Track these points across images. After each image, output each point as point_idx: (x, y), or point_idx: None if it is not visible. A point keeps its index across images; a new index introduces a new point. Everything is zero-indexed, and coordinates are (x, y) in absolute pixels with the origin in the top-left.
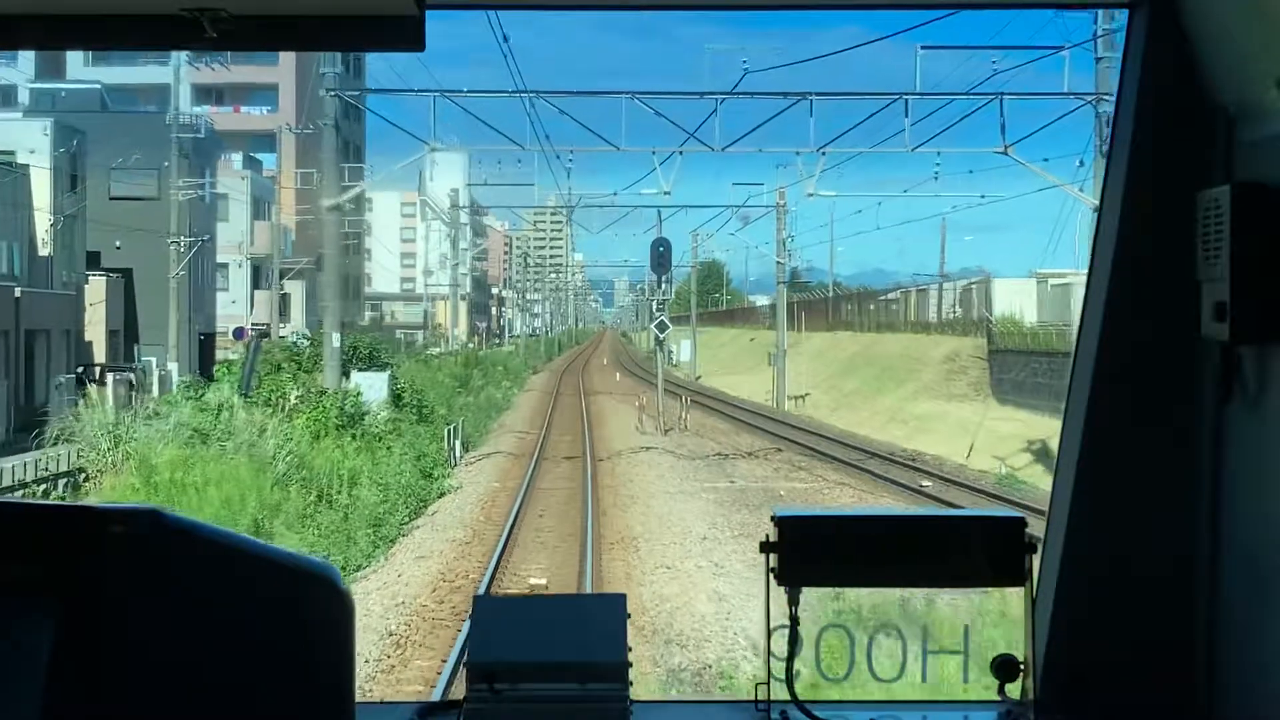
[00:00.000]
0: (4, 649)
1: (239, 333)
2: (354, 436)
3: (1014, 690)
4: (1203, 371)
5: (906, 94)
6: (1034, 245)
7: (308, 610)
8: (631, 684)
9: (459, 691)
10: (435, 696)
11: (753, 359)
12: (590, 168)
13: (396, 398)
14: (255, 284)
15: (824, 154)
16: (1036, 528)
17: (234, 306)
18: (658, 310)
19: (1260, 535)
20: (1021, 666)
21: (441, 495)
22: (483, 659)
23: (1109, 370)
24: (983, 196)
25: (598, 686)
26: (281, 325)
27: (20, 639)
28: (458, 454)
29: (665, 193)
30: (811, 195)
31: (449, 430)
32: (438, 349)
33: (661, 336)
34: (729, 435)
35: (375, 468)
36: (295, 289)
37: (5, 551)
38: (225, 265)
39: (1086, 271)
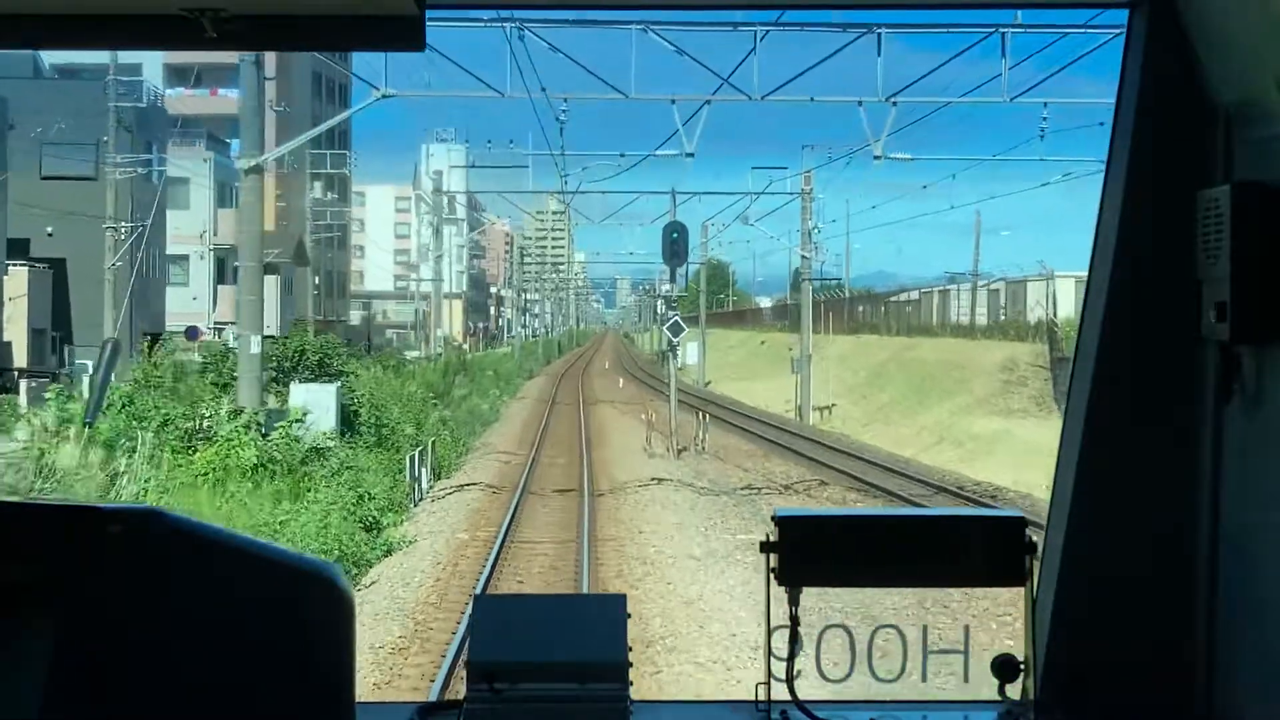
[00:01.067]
0: (4, 649)
1: (192, 332)
2: (279, 475)
3: (1014, 690)
4: (1203, 371)
5: (1004, 26)
6: (1037, 246)
7: (307, 610)
8: (631, 684)
9: (459, 691)
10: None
11: (765, 363)
12: (592, 125)
13: (350, 417)
14: (220, 278)
15: (895, 104)
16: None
17: (196, 304)
18: (670, 309)
19: (1260, 535)
20: (1021, 666)
21: (388, 553)
22: (483, 659)
23: (1109, 370)
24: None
25: (598, 686)
26: None
27: (20, 639)
28: (424, 486)
29: (689, 154)
30: (879, 159)
31: (412, 457)
32: (417, 352)
33: (675, 340)
34: (755, 459)
35: (290, 522)
36: (268, 284)
37: (5, 551)
38: (185, 257)
39: (1087, 271)
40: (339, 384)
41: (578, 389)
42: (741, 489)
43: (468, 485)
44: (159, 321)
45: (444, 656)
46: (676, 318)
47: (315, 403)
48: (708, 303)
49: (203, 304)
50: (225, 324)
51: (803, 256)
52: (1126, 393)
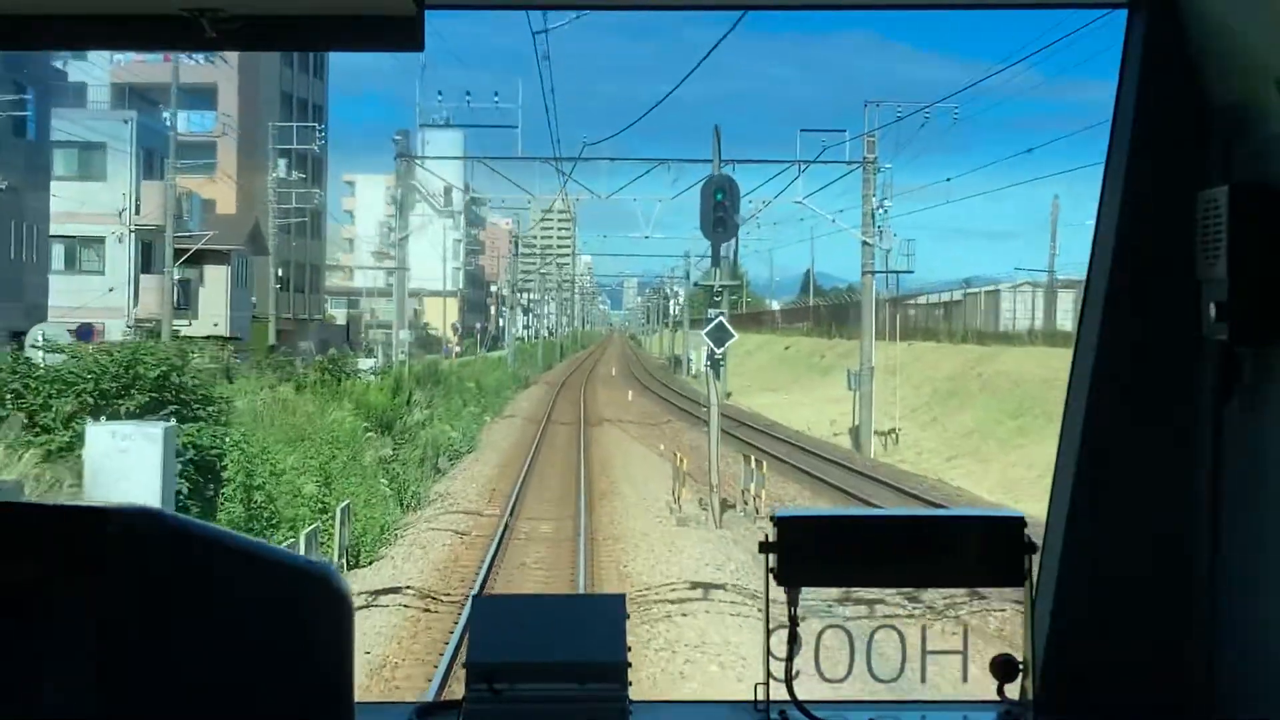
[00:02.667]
0: (4, 649)
1: (85, 332)
2: None
3: (1013, 690)
4: (1203, 371)
5: None
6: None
7: (306, 610)
8: (630, 684)
9: (458, 691)
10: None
11: (791, 372)
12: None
13: (210, 473)
14: (145, 265)
15: None
16: None
17: (113, 296)
18: (713, 305)
19: (1260, 535)
20: (1021, 666)
21: None
22: (482, 659)
23: (1109, 370)
24: None
25: (597, 686)
26: (184, 323)
27: (21, 640)
28: None
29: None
30: None
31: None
32: (373, 361)
33: (719, 352)
34: None
35: None
36: (216, 275)
37: (5, 551)
38: (100, 240)
39: (1086, 273)
40: (173, 422)
41: (579, 403)
42: (848, 607)
43: (386, 592)
44: (39, 315)
45: None
46: (722, 318)
47: (129, 455)
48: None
49: (122, 296)
50: (149, 320)
51: (864, 243)
52: (1126, 393)
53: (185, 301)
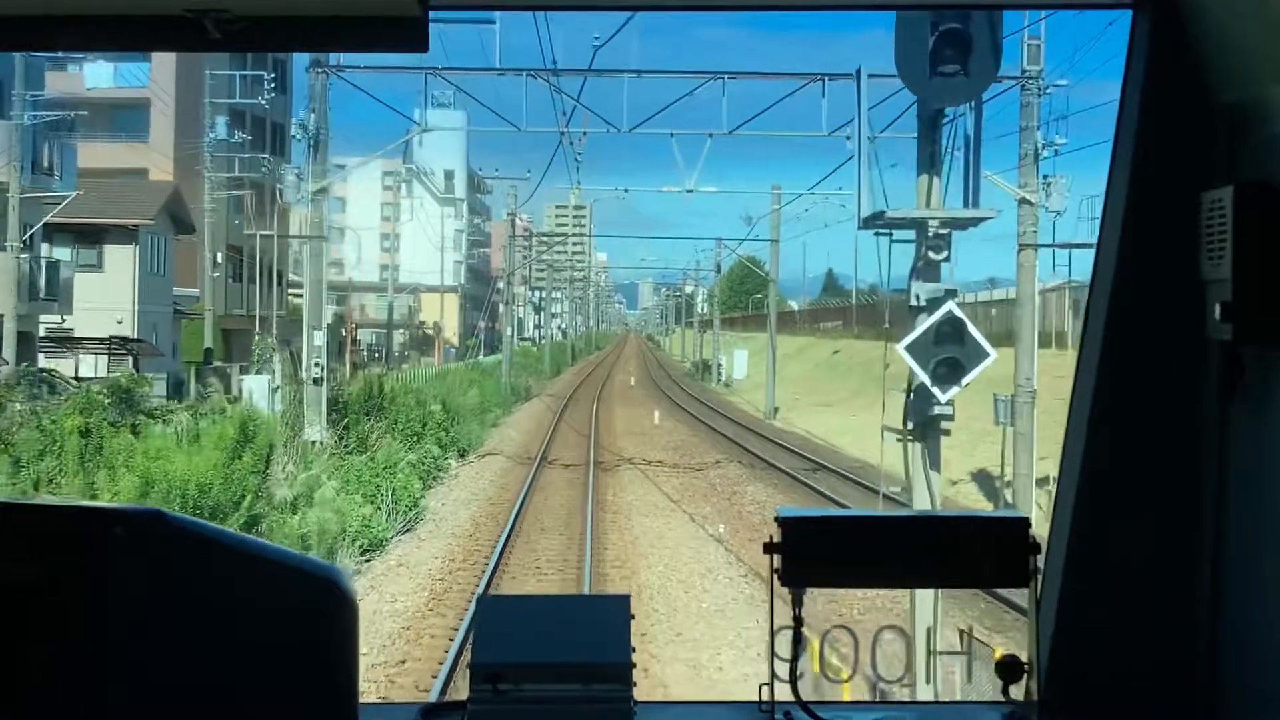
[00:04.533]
0: (7, 649)
1: None
2: None
3: (1018, 691)
4: (1207, 372)
5: None
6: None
7: (312, 611)
8: (635, 685)
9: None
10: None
11: (846, 383)
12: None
13: None
14: None
15: None
16: None
17: None
18: (922, 274)
19: (1265, 536)
20: (1025, 667)
21: None
22: (486, 659)
23: (1113, 371)
24: None
25: (601, 687)
26: (54, 320)
27: (24, 639)
28: None
29: None
30: None
31: None
32: (267, 379)
33: (944, 400)
34: None
35: None
36: (120, 257)
37: (9, 551)
38: None
39: (1090, 274)
40: None
41: (588, 430)
42: None
43: None
44: None
45: None
46: (953, 305)
47: None
48: (741, 303)
49: None
50: None
51: (1022, 201)
52: (1131, 394)
53: (52, 291)
